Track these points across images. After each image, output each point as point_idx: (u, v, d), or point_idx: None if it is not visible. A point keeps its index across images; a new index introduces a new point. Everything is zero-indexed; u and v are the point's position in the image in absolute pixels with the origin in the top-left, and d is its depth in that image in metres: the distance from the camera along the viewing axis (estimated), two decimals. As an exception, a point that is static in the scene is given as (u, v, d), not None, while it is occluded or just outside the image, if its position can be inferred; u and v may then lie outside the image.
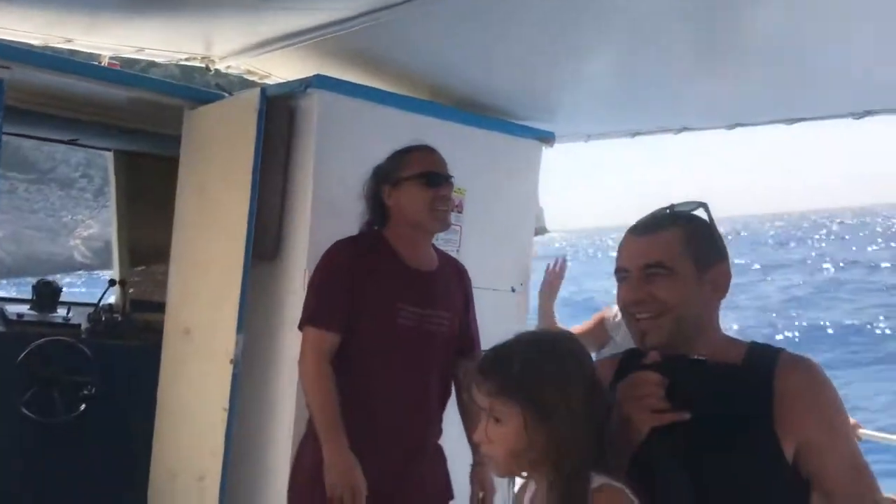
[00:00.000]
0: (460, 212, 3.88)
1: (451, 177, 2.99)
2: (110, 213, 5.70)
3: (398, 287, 2.88)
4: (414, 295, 2.90)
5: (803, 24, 2.78)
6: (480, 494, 3.00)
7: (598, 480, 1.57)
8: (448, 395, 3.07)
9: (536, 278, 4.10)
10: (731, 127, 3.84)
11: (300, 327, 2.94)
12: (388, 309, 2.85)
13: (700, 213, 1.87)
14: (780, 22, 2.80)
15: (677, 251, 1.80)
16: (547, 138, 4.21)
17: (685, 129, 4.02)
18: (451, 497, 3.04)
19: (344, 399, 2.82)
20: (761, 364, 1.76)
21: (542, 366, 1.62)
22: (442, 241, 3.79)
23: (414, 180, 2.91)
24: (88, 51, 4.10)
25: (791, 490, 1.68)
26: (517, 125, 4.18)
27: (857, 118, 3.49)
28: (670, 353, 1.73)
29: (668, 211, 1.88)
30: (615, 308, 3.63)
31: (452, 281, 3.06)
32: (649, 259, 1.82)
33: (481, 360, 1.69)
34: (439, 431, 3.06)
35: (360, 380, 2.85)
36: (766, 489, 1.66)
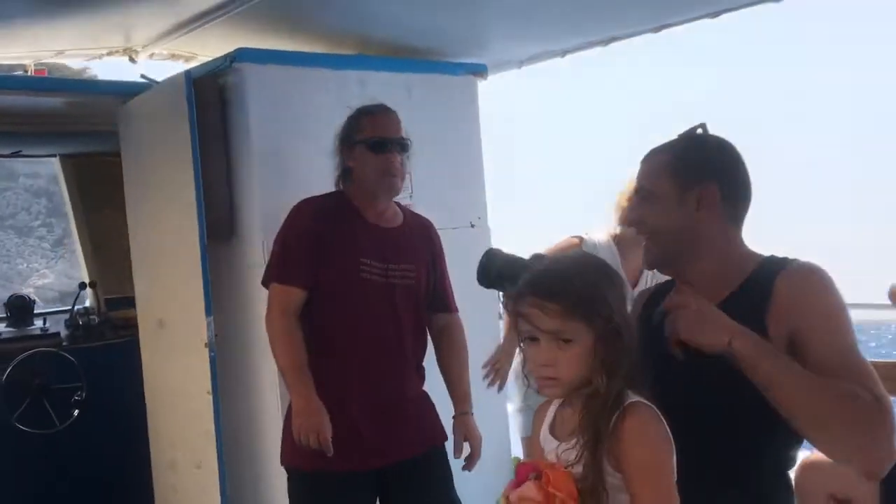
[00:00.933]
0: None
1: (402, 140, 2.99)
2: (67, 219, 5.69)
3: (361, 243, 2.92)
4: (376, 250, 2.94)
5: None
6: (466, 443, 3.07)
7: (631, 397, 1.62)
8: (423, 345, 3.12)
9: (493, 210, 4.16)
10: (657, 30, 3.83)
11: (265, 283, 3.00)
12: (352, 264, 2.89)
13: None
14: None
15: (659, 174, 1.89)
16: (480, 71, 4.20)
17: (613, 39, 4.00)
18: (445, 438, 3.10)
19: (316, 353, 2.90)
20: (767, 273, 1.81)
21: (601, 285, 1.66)
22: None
23: (363, 145, 2.94)
24: (9, 62, 4.05)
25: None
26: (448, 63, 4.17)
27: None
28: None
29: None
30: (596, 235, 3.69)
31: (417, 236, 3.09)
32: (639, 184, 1.95)
33: (537, 283, 1.67)
34: (419, 378, 3.11)
35: (330, 333, 2.91)
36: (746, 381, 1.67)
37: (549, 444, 1.73)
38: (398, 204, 3.14)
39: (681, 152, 1.91)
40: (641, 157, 1.96)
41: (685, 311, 1.73)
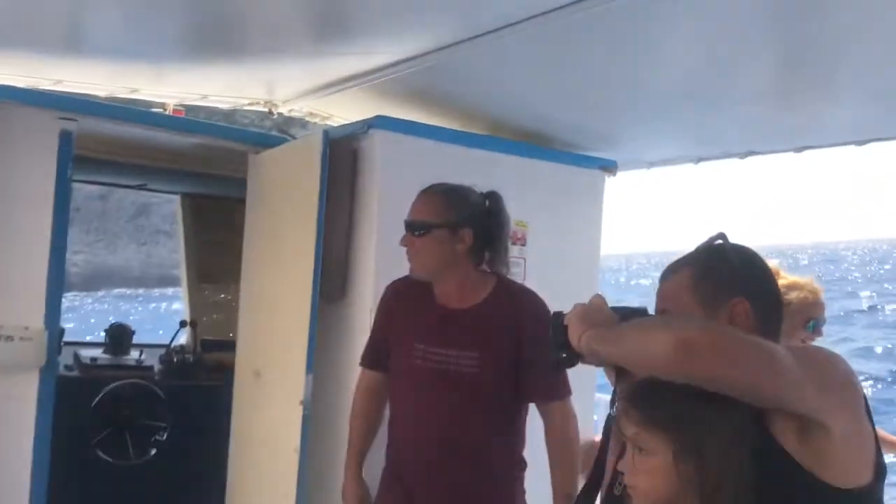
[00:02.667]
0: (524, 244, 3.86)
1: (410, 221, 2.89)
2: (179, 254, 5.81)
3: (419, 326, 2.86)
4: (434, 334, 2.82)
5: (879, 40, 2.70)
6: None
7: None
8: (498, 439, 2.86)
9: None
10: (799, 150, 3.76)
11: None
12: (407, 349, 2.85)
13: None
14: (853, 39, 2.72)
15: (684, 296, 1.76)
16: (609, 167, 4.18)
17: (751, 153, 3.94)
18: None
19: (389, 433, 2.97)
20: None
21: (704, 403, 1.53)
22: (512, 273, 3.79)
23: None
24: (153, 99, 4.18)
25: None
26: (579, 155, 4.16)
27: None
28: None
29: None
30: None
31: (497, 317, 2.84)
32: (661, 307, 1.81)
33: (633, 390, 1.63)
34: (494, 477, 2.86)
35: (392, 418, 2.95)
36: None
37: None
38: (499, 276, 2.93)
39: (703, 269, 1.77)
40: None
41: (578, 306, 1.76)
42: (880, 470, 1.64)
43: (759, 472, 1.57)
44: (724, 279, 1.75)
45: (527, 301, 2.93)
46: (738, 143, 3.94)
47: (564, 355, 1.79)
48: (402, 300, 2.97)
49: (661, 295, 1.82)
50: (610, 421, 2.03)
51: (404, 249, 2.97)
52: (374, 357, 3.01)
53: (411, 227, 2.88)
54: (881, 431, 3.37)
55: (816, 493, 1.57)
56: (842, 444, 1.56)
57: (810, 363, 1.57)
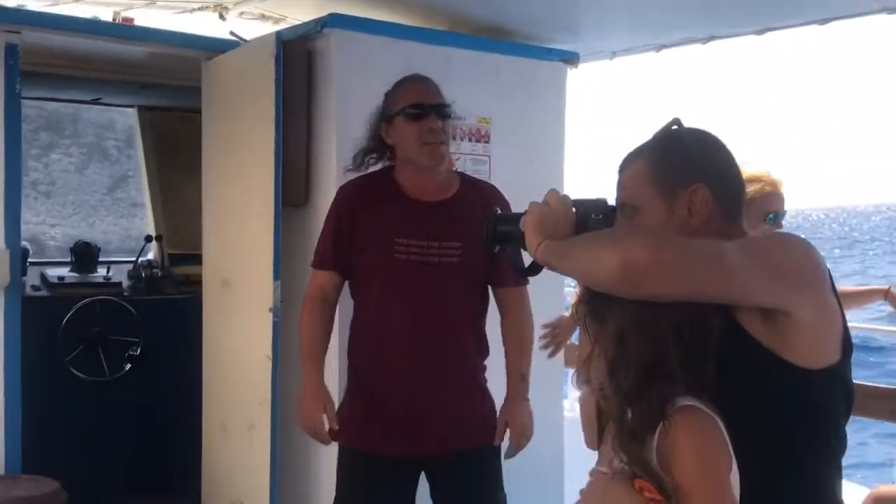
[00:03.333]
0: (487, 141, 3.83)
1: (442, 105, 2.84)
2: (139, 171, 5.72)
3: (397, 222, 2.81)
4: (414, 228, 2.81)
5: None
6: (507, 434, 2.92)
7: (680, 401, 1.52)
8: (477, 329, 2.94)
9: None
10: (760, 32, 3.71)
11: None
12: (386, 245, 2.79)
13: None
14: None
15: (642, 186, 1.72)
16: (571, 59, 4.11)
17: (713, 37, 3.89)
18: (490, 441, 2.92)
19: (359, 337, 2.91)
20: None
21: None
22: (471, 171, 3.74)
23: (400, 115, 2.81)
24: (99, 7, 4.05)
25: None
26: (540, 48, 4.08)
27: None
28: None
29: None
30: None
31: (470, 207, 2.83)
32: (621, 200, 1.77)
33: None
34: (473, 367, 2.94)
35: (370, 318, 2.86)
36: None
37: (606, 448, 1.65)
38: (460, 173, 3.02)
39: (658, 156, 1.73)
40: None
41: (533, 208, 1.74)
42: (847, 346, 1.64)
43: (728, 358, 1.58)
44: (681, 165, 1.71)
45: (491, 191, 3.01)
46: (700, 27, 3.88)
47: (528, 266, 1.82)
48: (368, 198, 2.88)
49: (621, 186, 1.78)
50: None
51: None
52: (336, 258, 2.88)
53: (442, 111, 2.84)
54: (847, 287, 3.40)
55: (783, 374, 1.58)
56: (806, 326, 1.57)
57: (763, 255, 1.56)
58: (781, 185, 3.04)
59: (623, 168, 1.79)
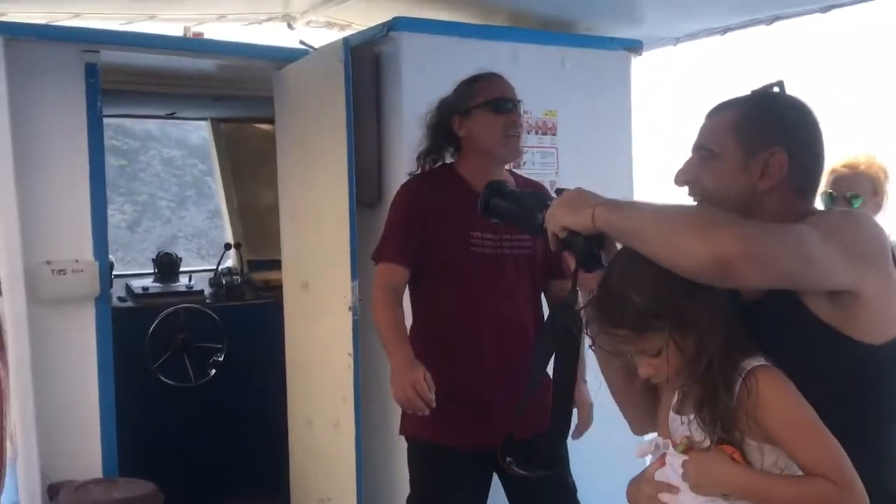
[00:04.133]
0: (554, 134, 3.85)
1: (519, 101, 2.94)
2: (215, 182, 5.87)
3: (471, 215, 2.85)
4: (486, 221, 2.85)
5: None
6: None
7: (752, 362, 1.56)
8: (540, 316, 3.01)
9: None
10: (826, 10, 3.67)
11: (373, 260, 3.00)
12: (462, 238, 2.85)
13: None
14: None
15: (725, 135, 1.72)
16: (634, 47, 4.11)
17: (777, 17, 3.85)
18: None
19: (434, 330, 2.93)
20: None
21: (650, 283, 1.59)
22: (539, 164, 3.78)
23: (483, 108, 2.89)
24: (171, 24, 4.18)
25: None
26: (602, 38, 4.10)
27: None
28: None
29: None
30: None
31: None
32: (700, 142, 1.77)
33: (601, 312, 1.66)
34: None
35: (446, 311, 2.90)
36: None
37: (676, 423, 1.68)
38: (511, 171, 3.09)
39: (750, 112, 1.73)
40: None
41: (557, 199, 1.74)
42: None
43: (793, 340, 1.61)
44: (769, 126, 1.71)
45: (543, 189, 3.04)
46: (764, 8, 3.84)
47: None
48: (438, 193, 2.94)
49: (704, 130, 1.78)
50: None
51: None
52: (408, 253, 2.90)
53: (519, 107, 2.93)
54: None
55: (851, 352, 1.59)
56: (871, 303, 1.58)
57: (835, 236, 1.56)
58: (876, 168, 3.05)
59: (713, 113, 1.79)
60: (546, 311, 3.01)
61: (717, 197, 1.71)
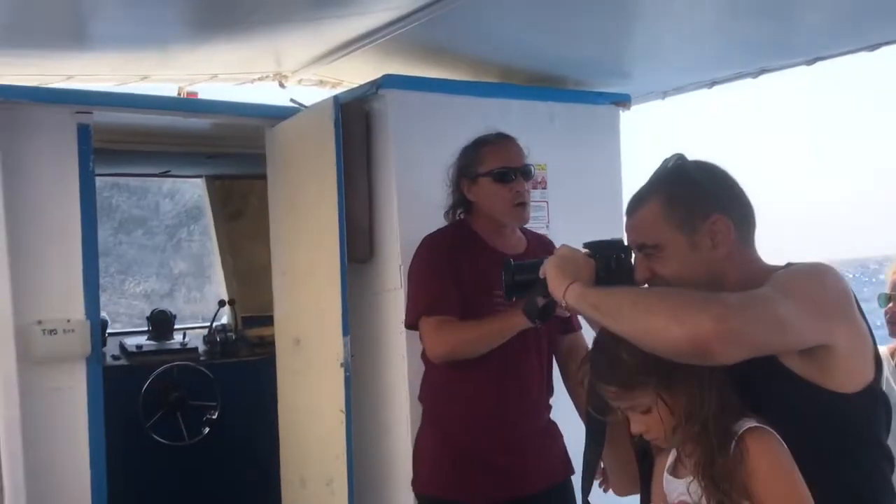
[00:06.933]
0: (544, 188, 3.88)
1: (527, 167, 2.97)
2: (210, 238, 5.88)
3: (491, 273, 2.86)
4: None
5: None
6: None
7: (745, 423, 1.58)
8: (551, 373, 3.08)
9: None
10: (811, 62, 3.71)
11: (411, 324, 2.99)
12: (486, 296, 2.85)
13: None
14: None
15: (658, 226, 1.74)
16: (623, 101, 4.16)
17: (763, 70, 3.89)
18: (572, 472, 3.04)
19: (449, 386, 2.93)
20: None
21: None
22: (531, 218, 3.80)
23: (488, 177, 2.92)
24: (164, 84, 4.23)
25: None
26: (591, 93, 4.14)
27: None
28: None
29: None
30: None
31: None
32: (637, 242, 1.79)
33: (595, 367, 1.70)
34: (549, 407, 3.08)
35: (466, 366, 2.88)
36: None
37: (672, 486, 1.68)
38: (521, 229, 3.12)
39: (671, 193, 1.74)
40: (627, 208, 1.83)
41: (551, 258, 1.79)
42: (878, 362, 1.68)
43: (767, 392, 1.63)
44: (696, 199, 1.73)
45: (550, 244, 3.11)
46: (751, 61, 3.89)
47: (542, 302, 1.90)
48: (460, 250, 2.95)
49: (634, 229, 1.79)
50: None
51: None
52: (452, 303, 2.84)
53: (527, 173, 2.95)
54: None
55: (825, 403, 1.61)
56: (844, 355, 1.60)
57: (803, 294, 1.58)
58: None
59: (633, 210, 1.80)
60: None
61: (680, 283, 1.72)
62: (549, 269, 1.79)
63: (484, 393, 2.90)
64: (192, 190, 8.13)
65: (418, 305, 2.94)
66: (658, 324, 1.52)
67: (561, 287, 1.73)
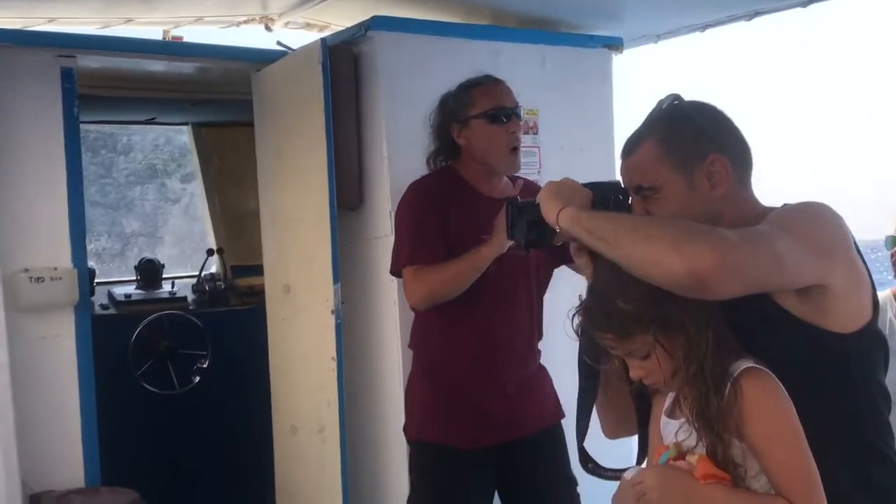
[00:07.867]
0: (536, 133, 3.83)
1: (518, 107, 2.93)
2: (197, 187, 5.83)
3: (480, 219, 2.84)
4: (491, 224, 2.81)
5: None
6: None
7: (741, 364, 1.57)
8: (541, 317, 3.06)
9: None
10: (805, 4, 3.66)
11: (396, 272, 2.98)
12: (474, 241, 2.81)
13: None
14: None
15: (655, 167, 1.71)
16: (615, 45, 4.09)
17: (757, 13, 3.84)
18: (563, 416, 3.05)
19: (441, 336, 2.93)
20: None
21: (634, 288, 1.58)
22: (522, 163, 3.76)
23: (482, 119, 2.87)
24: (149, 28, 4.15)
25: None
26: (583, 36, 4.08)
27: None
28: None
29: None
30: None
31: None
32: (634, 184, 1.76)
33: (590, 316, 1.67)
34: (539, 351, 3.08)
35: (456, 312, 2.87)
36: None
37: (669, 428, 1.69)
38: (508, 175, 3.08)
39: (667, 135, 1.72)
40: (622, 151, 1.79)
41: (547, 183, 1.77)
42: (875, 301, 1.67)
43: (766, 335, 1.61)
44: (693, 137, 1.71)
45: (535, 185, 3.09)
46: (744, 3, 3.83)
47: (535, 234, 1.81)
48: (450, 197, 2.92)
49: (631, 170, 1.77)
50: None
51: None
52: (435, 251, 2.82)
53: (519, 114, 2.92)
54: None
55: (824, 343, 1.60)
56: (841, 295, 1.59)
57: (800, 232, 1.57)
58: None
59: (629, 152, 1.78)
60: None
61: None
62: (542, 193, 1.75)
63: (471, 339, 2.90)
64: (149, 148, 8.04)
65: (401, 255, 2.93)
66: (657, 252, 1.49)
67: (554, 210, 1.69)
